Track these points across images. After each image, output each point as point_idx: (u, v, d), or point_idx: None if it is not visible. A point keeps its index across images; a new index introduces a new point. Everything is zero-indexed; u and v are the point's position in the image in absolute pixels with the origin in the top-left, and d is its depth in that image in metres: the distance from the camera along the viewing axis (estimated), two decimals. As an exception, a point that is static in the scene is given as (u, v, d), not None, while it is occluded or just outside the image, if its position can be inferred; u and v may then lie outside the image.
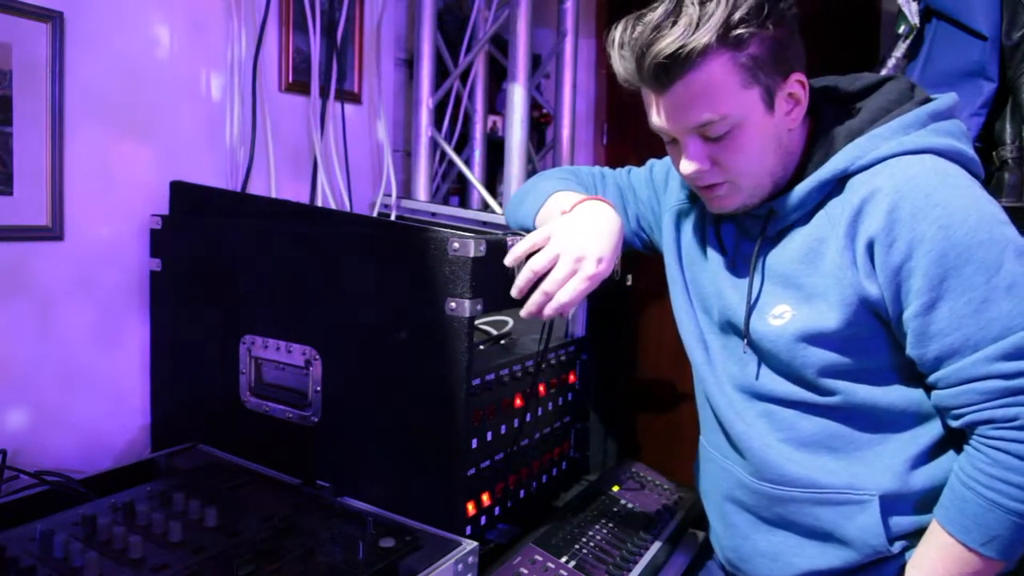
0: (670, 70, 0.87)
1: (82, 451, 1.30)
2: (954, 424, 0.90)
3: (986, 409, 0.85)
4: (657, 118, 0.94)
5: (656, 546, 1.27)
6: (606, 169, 1.27)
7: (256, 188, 1.57)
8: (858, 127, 0.93)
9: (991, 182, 1.56)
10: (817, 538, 0.99)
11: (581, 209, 1.01)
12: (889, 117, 0.92)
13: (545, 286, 0.95)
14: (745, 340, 1.00)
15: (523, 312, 0.98)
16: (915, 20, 1.60)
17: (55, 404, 1.27)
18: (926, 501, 0.94)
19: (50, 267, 1.25)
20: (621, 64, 0.92)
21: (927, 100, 0.94)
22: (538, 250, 0.99)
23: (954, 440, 0.94)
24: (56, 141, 1.23)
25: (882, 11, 1.97)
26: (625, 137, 2.44)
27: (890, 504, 0.94)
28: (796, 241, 0.96)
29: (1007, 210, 1.65)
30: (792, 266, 0.95)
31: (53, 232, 1.24)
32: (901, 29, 1.63)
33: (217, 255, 1.29)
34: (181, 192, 1.38)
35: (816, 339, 0.92)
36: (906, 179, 0.87)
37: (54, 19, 1.21)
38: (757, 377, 1.01)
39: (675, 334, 1.29)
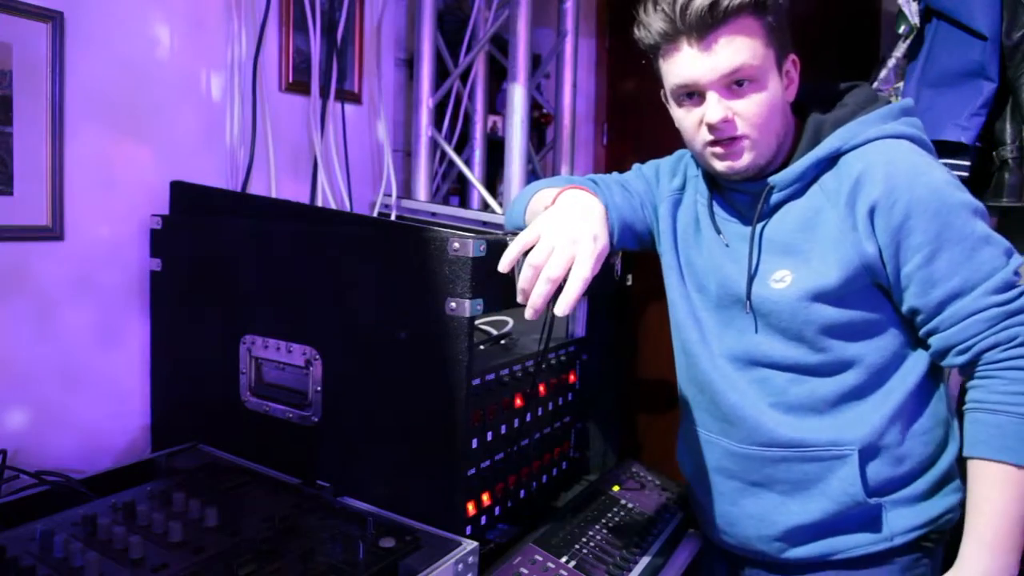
0: (714, 16, 0.98)
1: (82, 451, 1.30)
2: (960, 360, 1.01)
3: (991, 335, 0.98)
4: (690, 69, 1.02)
5: (656, 546, 1.27)
6: (600, 175, 1.31)
7: (256, 188, 1.57)
8: (843, 117, 1.07)
9: (991, 182, 1.56)
10: (800, 494, 1.10)
11: (562, 199, 1.04)
12: (869, 110, 1.07)
13: (548, 272, 0.92)
14: (748, 304, 1.09)
15: (529, 311, 0.93)
16: (915, 20, 1.60)
17: (55, 404, 1.27)
18: (897, 455, 1.07)
19: (50, 267, 1.25)
20: (658, 19, 1.01)
21: (888, 102, 1.10)
22: (531, 249, 0.97)
23: (916, 400, 1.08)
24: (56, 141, 1.23)
25: (882, 11, 1.98)
26: (625, 137, 2.44)
27: (867, 457, 1.06)
28: (792, 214, 1.07)
29: (1007, 210, 1.66)
30: (791, 235, 1.07)
31: (53, 232, 1.24)
32: (901, 29, 1.63)
33: (217, 255, 1.29)
34: (181, 192, 1.38)
35: (818, 296, 1.03)
36: (895, 155, 1.02)
37: (54, 19, 1.21)
38: (756, 342, 1.10)
39: (675, 334, 1.29)
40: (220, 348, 1.26)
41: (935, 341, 1.03)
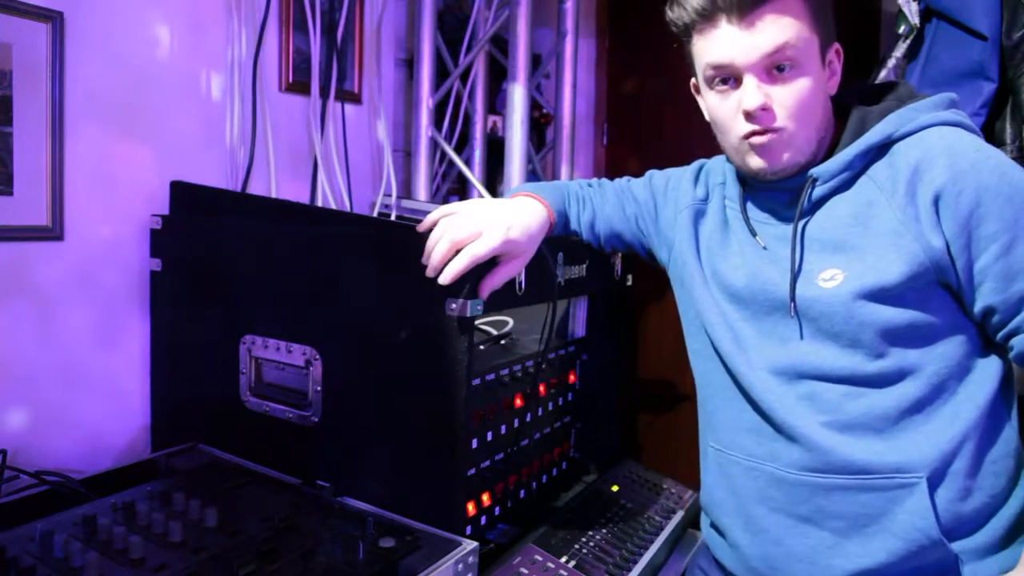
0: None
1: (82, 451, 1.30)
2: None
3: None
4: (728, 48, 0.93)
5: (656, 546, 1.27)
6: (604, 180, 1.30)
7: (256, 188, 1.57)
8: (891, 107, 0.98)
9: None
10: (859, 532, 0.95)
11: (508, 198, 1.10)
12: (916, 98, 0.98)
13: (451, 235, 1.01)
14: (792, 306, 0.97)
15: (429, 271, 1.02)
16: (915, 20, 1.60)
17: (55, 404, 1.27)
18: (967, 485, 0.93)
19: (50, 267, 1.25)
20: None
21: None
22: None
23: (987, 421, 0.94)
24: (56, 141, 1.23)
25: (882, 11, 1.98)
26: (625, 137, 2.44)
27: (934, 486, 0.92)
28: (841, 207, 0.97)
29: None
30: (842, 231, 0.96)
31: (53, 232, 1.24)
32: (901, 29, 1.63)
33: (217, 255, 1.29)
34: (181, 192, 1.38)
35: (875, 295, 0.92)
36: (954, 140, 0.92)
37: (54, 19, 1.21)
38: (803, 351, 0.97)
39: (675, 334, 1.29)
40: (220, 348, 1.26)
41: (1018, 342, 0.91)
